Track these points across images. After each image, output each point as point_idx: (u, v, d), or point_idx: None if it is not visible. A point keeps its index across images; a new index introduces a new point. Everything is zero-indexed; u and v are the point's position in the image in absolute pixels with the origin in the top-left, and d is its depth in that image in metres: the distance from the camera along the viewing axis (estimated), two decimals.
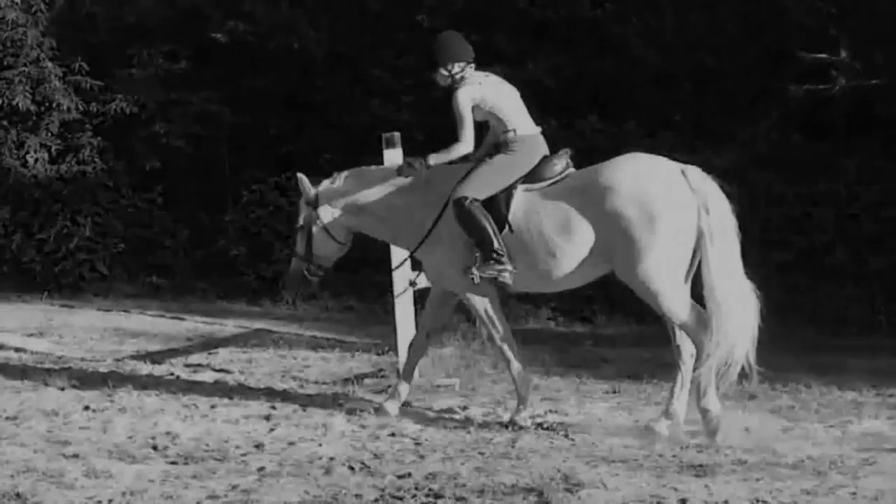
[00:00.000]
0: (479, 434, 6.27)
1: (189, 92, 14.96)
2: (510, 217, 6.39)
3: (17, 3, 14.47)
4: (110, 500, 4.94)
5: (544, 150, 6.56)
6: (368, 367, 8.66)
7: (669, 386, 6.46)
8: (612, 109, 14.08)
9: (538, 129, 6.62)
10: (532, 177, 6.46)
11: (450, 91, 6.56)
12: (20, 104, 14.24)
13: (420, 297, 7.45)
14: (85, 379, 7.60)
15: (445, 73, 6.59)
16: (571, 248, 6.27)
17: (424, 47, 6.88)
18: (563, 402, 7.32)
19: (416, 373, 7.05)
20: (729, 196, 6.25)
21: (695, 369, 6.19)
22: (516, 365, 6.59)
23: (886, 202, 12.79)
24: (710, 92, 14.26)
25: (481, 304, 6.58)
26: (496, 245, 6.33)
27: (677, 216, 6.11)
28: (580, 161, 6.64)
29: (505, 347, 6.60)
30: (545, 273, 6.39)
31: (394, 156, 7.61)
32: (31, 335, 10.05)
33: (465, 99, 6.46)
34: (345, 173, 6.93)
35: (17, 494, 4.94)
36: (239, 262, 13.94)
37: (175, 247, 14.69)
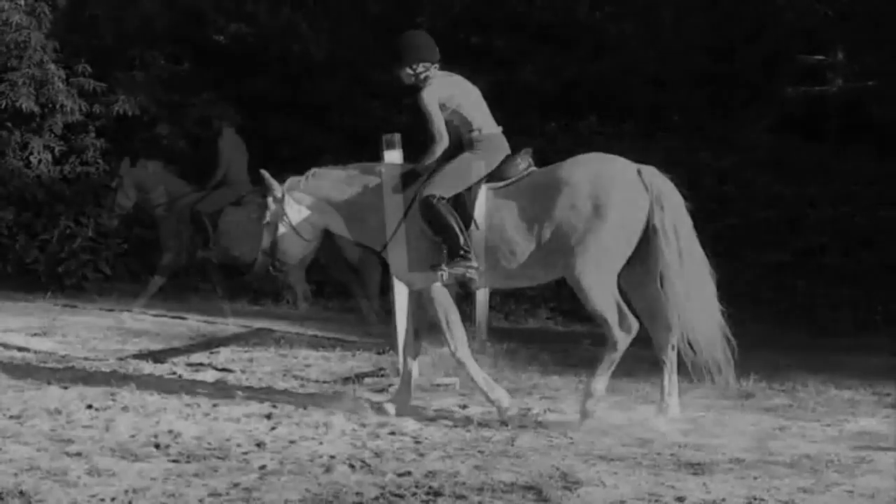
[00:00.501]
0: (478, 432, 6.30)
1: (191, 94, 15.00)
2: (475, 215, 6.47)
3: (20, 6, 14.51)
4: (113, 499, 4.94)
5: (507, 149, 6.65)
6: (369, 366, 8.69)
7: (659, 382, 6.57)
8: (610, 111, 14.12)
9: (500, 129, 6.70)
10: (495, 175, 6.54)
11: (415, 91, 6.63)
12: (24, 106, 14.27)
13: None
14: (88, 378, 7.63)
15: (410, 72, 6.67)
16: (530, 245, 6.35)
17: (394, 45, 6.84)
18: (562, 401, 7.35)
19: (415, 372, 7.10)
20: (686, 197, 6.33)
21: (604, 356, 6.30)
22: (478, 372, 6.64)
23: (882, 203, 12.85)
24: (708, 94, 14.32)
25: (443, 311, 6.60)
26: (463, 242, 6.39)
27: (626, 212, 6.20)
28: None
29: (461, 356, 6.64)
30: (508, 270, 6.48)
31: (394, 157, 7.68)
32: (35, 335, 10.02)
33: (432, 97, 6.55)
34: (312, 171, 7.00)
35: (21, 492, 4.94)
36: (240, 262, 13.93)
37: (177, 247, 14.68)
